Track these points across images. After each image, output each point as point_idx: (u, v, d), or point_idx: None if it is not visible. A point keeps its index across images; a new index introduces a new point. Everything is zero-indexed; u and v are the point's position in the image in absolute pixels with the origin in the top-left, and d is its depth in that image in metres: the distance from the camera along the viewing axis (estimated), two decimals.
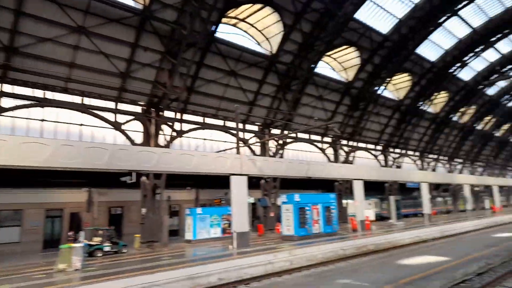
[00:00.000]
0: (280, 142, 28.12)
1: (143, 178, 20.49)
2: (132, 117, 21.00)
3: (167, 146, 21.40)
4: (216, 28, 22.07)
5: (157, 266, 12.88)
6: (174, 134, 22.32)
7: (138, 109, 21.35)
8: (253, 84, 26.20)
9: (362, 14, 26.41)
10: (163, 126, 21.67)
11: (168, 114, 22.07)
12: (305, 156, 31.44)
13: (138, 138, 21.09)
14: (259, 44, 26.01)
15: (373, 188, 37.42)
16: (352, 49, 29.48)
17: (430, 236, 23.27)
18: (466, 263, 12.41)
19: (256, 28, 25.36)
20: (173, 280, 11.32)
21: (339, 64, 31.20)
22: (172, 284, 11.20)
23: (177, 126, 22.76)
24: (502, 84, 44.19)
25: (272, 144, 27.84)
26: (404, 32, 28.90)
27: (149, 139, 20.98)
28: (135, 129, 21.24)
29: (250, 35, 25.84)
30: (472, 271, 11.37)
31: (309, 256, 15.97)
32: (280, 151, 27.95)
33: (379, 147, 38.30)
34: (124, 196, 24.57)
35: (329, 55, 29.82)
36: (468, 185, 40.49)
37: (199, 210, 22.91)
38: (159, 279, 11.15)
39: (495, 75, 40.53)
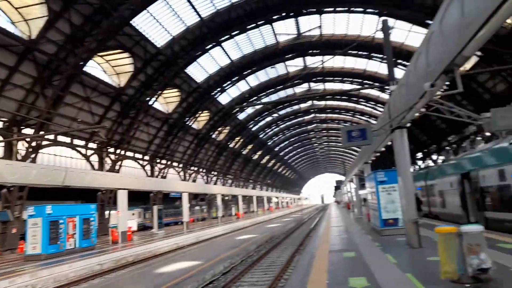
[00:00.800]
0: (34, 144, 23.74)
1: None
2: None
3: None
4: None
5: None
6: None
7: None
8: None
9: (140, 22, 26.24)
10: None
11: None
12: (65, 162, 27.83)
13: None
14: (13, 24, 21.38)
15: (138, 198, 37.20)
16: (126, 55, 28.56)
17: (187, 242, 25.05)
18: (214, 265, 13.92)
19: (14, 7, 20.77)
20: None
21: (111, 68, 29.57)
22: None
23: None
24: (249, 111, 53.56)
25: (22, 146, 23.15)
26: (176, 50, 30.62)
27: None
28: None
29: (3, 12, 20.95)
30: (219, 271, 12.89)
31: (58, 277, 13.96)
32: (32, 155, 23.55)
33: (146, 157, 38.55)
34: None
35: (101, 56, 27.85)
36: (220, 194, 46.41)
37: None
38: None
39: (245, 103, 48.93)
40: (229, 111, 47.28)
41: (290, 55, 39.27)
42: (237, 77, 40.69)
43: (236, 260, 15.34)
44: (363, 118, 58.27)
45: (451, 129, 37.65)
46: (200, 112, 42.09)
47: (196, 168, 50.72)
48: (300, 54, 39.42)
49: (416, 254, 9.78)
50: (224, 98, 44.69)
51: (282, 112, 60.02)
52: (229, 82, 40.69)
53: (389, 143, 14.05)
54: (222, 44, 33.17)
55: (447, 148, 40.51)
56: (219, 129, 50.24)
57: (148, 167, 38.80)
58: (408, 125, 11.17)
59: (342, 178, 79.09)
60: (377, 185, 14.59)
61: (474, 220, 15.70)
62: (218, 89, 40.51)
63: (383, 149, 17.35)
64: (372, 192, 16.38)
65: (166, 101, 38.01)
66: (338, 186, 71.65)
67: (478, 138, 33.42)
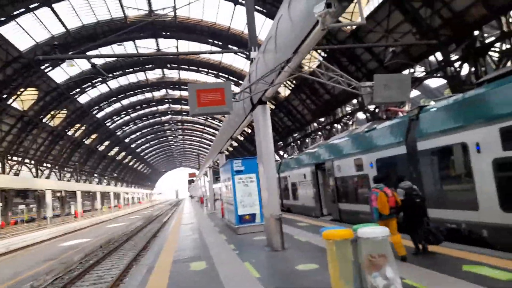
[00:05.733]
0: None
1: None
2: None
3: None
4: None
5: None
6: None
7: None
8: None
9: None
10: None
11: None
12: None
13: None
14: None
15: None
16: None
17: None
18: None
19: None
20: None
21: None
22: None
23: None
24: (93, 94, 46.54)
25: None
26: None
27: None
28: None
29: None
30: None
31: None
32: None
33: None
34: None
35: None
36: (49, 190, 38.80)
37: None
38: None
39: (88, 84, 42.28)
40: (65, 91, 39.85)
41: (141, 34, 35.09)
42: (74, 50, 34.19)
43: (46, 279, 11.48)
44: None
45: (295, 126, 40.24)
46: (23, 89, 33.92)
47: (19, 159, 41.25)
48: (152, 35, 35.72)
49: (282, 261, 7.83)
50: (58, 75, 37.26)
51: (133, 99, 54.67)
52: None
53: (241, 137, 12.43)
54: (53, 5, 26.96)
55: (292, 144, 43.31)
56: (52, 112, 41.97)
57: None
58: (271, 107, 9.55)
59: (197, 172, 78.00)
60: (233, 175, 12.80)
61: (327, 213, 15.69)
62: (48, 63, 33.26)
63: (241, 138, 15.87)
64: (227, 184, 14.61)
65: None
66: (192, 180, 69.90)
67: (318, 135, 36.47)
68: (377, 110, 25.23)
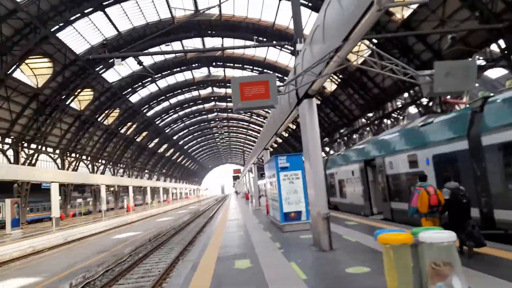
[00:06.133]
0: None
1: None
2: None
3: None
4: None
5: None
6: None
7: None
8: None
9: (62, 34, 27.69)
10: None
11: None
12: None
13: None
14: None
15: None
16: (46, 59, 29.27)
17: (50, 244, 20.41)
18: (60, 281, 10.39)
19: None
20: None
21: (30, 69, 29.82)
22: None
23: None
24: (143, 94, 48.45)
25: None
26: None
27: None
28: None
29: None
30: None
31: None
32: None
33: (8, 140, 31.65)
34: None
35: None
36: (103, 185, 40.97)
37: None
38: None
39: (139, 84, 44.06)
40: (118, 91, 41.81)
41: (187, 34, 35.81)
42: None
43: (97, 270, 11.96)
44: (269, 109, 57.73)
45: (342, 122, 39.07)
46: (80, 90, 36.09)
47: (77, 155, 44.02)
48: (198, 34, 36.29)
49: (330, 263, 7.39)
50: (111, 76, 39.14)
51: (181, 97, 56.17)
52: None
53: (286, 134, 12.05)
54: (106, 9, 28.28)
55: (339, 140, 42.12)
56: (106, 111, 44.23)
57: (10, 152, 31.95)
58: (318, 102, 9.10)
59: (242, 168, 78.78)
60: (278, 172, 12.45)
61: (377, 211, 14.92)
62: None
63: (286, 135, 15.50)
64: (272, 181, 14.35)
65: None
66: (237, 176, 70.64)
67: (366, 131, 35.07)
68: (430, 103, 23.69)
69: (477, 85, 31.95)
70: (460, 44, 18.62)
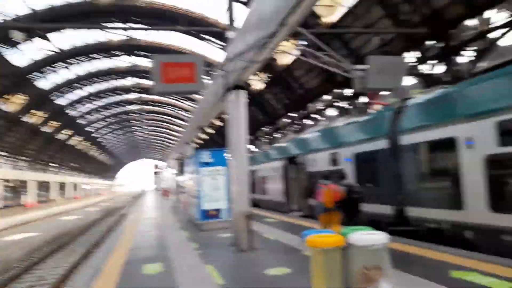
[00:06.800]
0: None
1: None
2: None
3: None
4: None
5: None
6: None
7: None
8: None
9: None
10: None
11: None
12: None
13: None
14: None
15: None
16: None
17: None
18: None
19: None
20: None
21: None
22: None
23: None
24: (56, 79, 43.58)
25: None
26: None
27: None
28: None
29: None
30: None
31: None
32: None
33: None
34: None
35: None
36: None
37: None
38: None
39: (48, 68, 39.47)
40: (25, 74, 36.81)
41: (110, 18, 32.88)
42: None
43: None
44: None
45: (266, 119, 39.45)
46: None
47: None
48: (123, 20, 33.48)
49: (249, 264, 6.93)
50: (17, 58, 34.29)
51: (99, 86, 51.82)
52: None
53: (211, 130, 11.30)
54: None
55: (261, 138, 42.48)
56: (5, 96, 38.65)
57: None
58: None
59: (164, 164, 75.61)
60: (200, 167, 11.69)
61: (296, 208, 14.92)
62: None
63: (212, 132, 14.79)
64: (193, 176, 13.42)
65: None
66: (157, 172, 67.48)
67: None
68: (349, 106, 24.90)
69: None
70: (378, 53, 19.76)
